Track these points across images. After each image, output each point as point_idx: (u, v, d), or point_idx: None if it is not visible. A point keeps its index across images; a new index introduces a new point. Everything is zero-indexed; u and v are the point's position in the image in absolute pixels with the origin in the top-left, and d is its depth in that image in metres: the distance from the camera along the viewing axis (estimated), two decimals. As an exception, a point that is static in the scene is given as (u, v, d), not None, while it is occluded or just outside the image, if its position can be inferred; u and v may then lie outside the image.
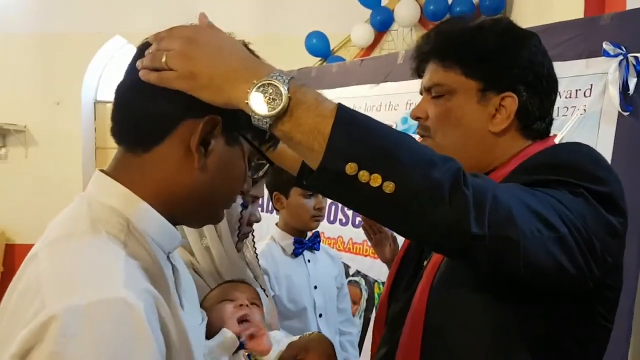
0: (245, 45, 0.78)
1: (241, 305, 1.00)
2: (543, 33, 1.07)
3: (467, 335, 0.88)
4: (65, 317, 0.58)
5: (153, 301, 0.65)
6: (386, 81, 3.56)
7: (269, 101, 0.67)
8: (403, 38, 4.85)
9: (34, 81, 5.75)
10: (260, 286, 1.30)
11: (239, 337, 0.94)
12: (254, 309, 1.01)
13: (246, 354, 0.93)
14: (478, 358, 0.87)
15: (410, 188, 0.67)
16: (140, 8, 5.79)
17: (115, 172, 0.76)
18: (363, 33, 4.80)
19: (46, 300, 0.60)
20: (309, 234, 2.05)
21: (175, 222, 0.79)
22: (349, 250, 3.07)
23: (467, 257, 0.74)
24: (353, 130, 0.67)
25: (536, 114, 0.96)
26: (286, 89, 0.67)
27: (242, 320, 0.98)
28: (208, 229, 1.13)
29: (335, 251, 2.35)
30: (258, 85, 0.67)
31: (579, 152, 0.92)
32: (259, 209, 1.24)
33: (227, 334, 0.93)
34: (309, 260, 2.05)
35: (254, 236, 1.31)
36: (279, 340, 0.99)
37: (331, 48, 4.99)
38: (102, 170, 0.77)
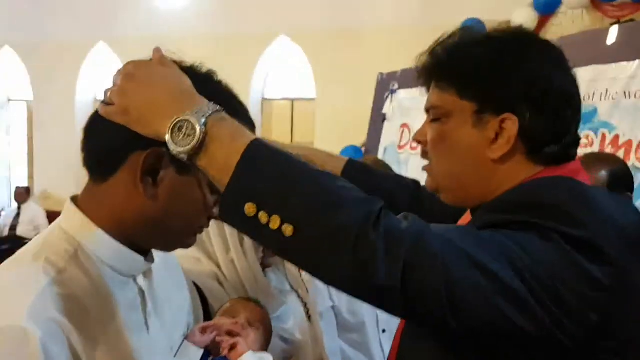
0: (206, 77, 0.81)
1: (236, 323, 1.00)
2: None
3: None
4: None
5: (59, 330, 0.68)
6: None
7: (184, 137, 0.68)
8: (572, 21, 4.35)
9: (208, 81, 6.32)
10: (302, 300, 1.28)
11: (207, 349, 0.93)
12: (247, 330, 0.99)
13: None
14: None
15: (309, 233, 0.64)
16: (306, 8, 6.02)
17: (81, 199, 0.82)
18: (525, 17, 4.41)
19: None
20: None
21: (139, 247, 0.81)
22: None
23: (385, 310, 0.67)
24: (256, 169, 0.66)
25: (545, 136, 0.80)
26: (202, 125, 0.68)
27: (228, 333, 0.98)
28: (233, 244, 1.15)
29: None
30: (175, 121, 0.69)
31: (558, 189, 0.76)
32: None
33: (187, 349, 0.92)
34: None
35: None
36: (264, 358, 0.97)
37: (489, 36, 4.67)
38: (72, 197, 0.83)
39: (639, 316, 0.76)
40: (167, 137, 0.69)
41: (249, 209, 0.64)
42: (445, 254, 0.65)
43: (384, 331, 1.92)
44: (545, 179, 0.79)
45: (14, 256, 0.78)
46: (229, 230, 1.16)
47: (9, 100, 8.15)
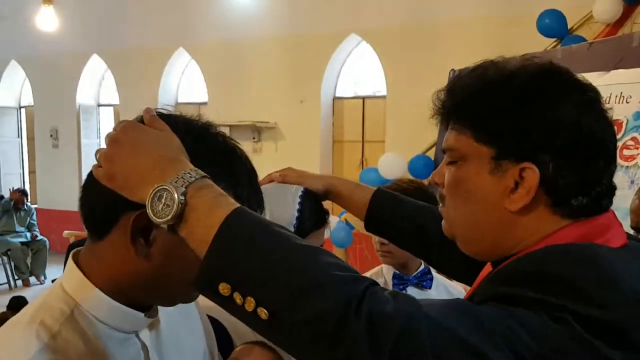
0: (201, 131, 0.78)
1: None
2: None
3: None
4: None
5: None
6: (617, 68, 3.00)
7: (164, 207, 0.66)
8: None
9: (281, 82, 6.42)
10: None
11: None
12: None
13: None
14: None
15: (285, 319, 0.59)
16: (376, 5, 5.95)
17: (81, 257, 0.81)
18: (608, 6, 4.09)
19: None
20: (415, 268, 1.81)
21: (139, 304, 0.80)
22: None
23: None
24: (230, 248, 0.62)
25: (571, 188, 0.71)
26: (181, 195, 0.65)
27: None
28: None
29: (459, 287, 1.94)
30: (155, 190, 0.67)
31: (577, 261, 0.66)
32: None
33: None
34: None
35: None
36: None
37: (568, 27, 4.38)
38: (74, 254, 0.83)
39: None
40: (147, 208, 0.67)
41: (223, 289, 0.61)
42: (437, 344, 0.58)
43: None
44: (563, 247, 0.70)
45: (14, 317, 0.79)
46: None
47: (99, 105, 8.66)
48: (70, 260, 0.81)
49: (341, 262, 0.63)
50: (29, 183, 9.25)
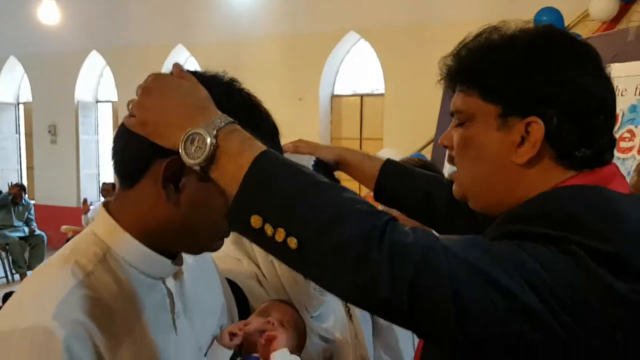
0: (227, 85, 0.83)
1: (268, 322, 1.02)
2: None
3: None
4: None
5: (83, 331, 0.72)
6: (613, 62, 3.04)
7: (196, 149, 0.70)
8: (658, 6, 4.06)
9: (280, 79, 6.45)
10: (346, 304, 1.27)
11: (237, 350, 0.97)
12: (279, 329, 1.02)
13: None
14: None
15: (313, 247, 0.64)
16: (375, 4, 5.99)
17: (112, 205, 0.86)
18: (604, 5, 4.16)
19: None
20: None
21: (167, 250, 0.84)
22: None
23: (394, 323, 0.66)
24: (261, 183, 0.67)
25: (575, 140, 0.76)
26: (213, 137, 0.70)
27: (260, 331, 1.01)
28: None
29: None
30: (187, 134, 0.71)
31: (583, 198, 0.71)
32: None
33: (217, 351, 0.96)
34: None
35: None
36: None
37: (565, 25, 4.44)
38: (104, 203, 0.87)
39: None
40: (180, 150, 0.71)
41: (255, 221, 0.65)
42: (454, 271, 0.63)
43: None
44: (570, 188, 0.75)
45: (48, 259, 0.83)
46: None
47: (97, 101, 8.67)
48: (101, 207, 0.85)
49: (362, 199, 0.67)
50: (27, 179, 9.25)
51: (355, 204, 0.65)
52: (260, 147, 0.70)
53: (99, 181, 8.52)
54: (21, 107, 9.34)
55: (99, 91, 8.64)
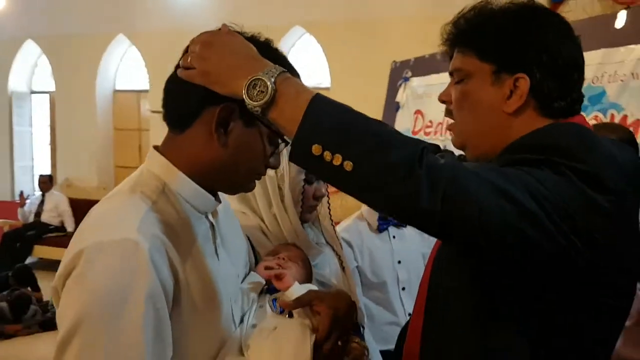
0: (266, 44, 0.95)
1: (278, 258, 1.17)
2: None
3: (456, 305, 0.95)
4: (90, 249, 0.80)
5: (161, 245, 0.84)
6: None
7: (258, 94, 0.81)
8: (583, 8, 4.43)
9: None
10: (337, 254, 1.43)
11: (266, 283, 1.10)
12: (288, 263, 1.16)
13: (272, 299, 1.07)
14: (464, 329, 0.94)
15: (366, 168, 0.76)
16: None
17: (163, 148, 0.97)
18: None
19: (83, 238, 0.83)
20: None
21: (210, 189, 0.97)
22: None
23: (426, 231, 0.80)
24: (320, 118, 0.79)
25: (554, 93, 0.94)
26: (272, 83, 0.81)
27: (270, 267, 1.15)
28: (275, 201, 1.31)
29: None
30: (250, 80, 0.81)
31: (568, 133, 0.90)
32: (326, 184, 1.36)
33: (255, 276, 1.09)
34: (394, 237, 2.13)
35: (329, 209, 1.44)
36: (310, 288, 1.11)
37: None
38: (154, 146, 0.98)
39: (630, 242, 0.90)
40: (244, 94, 0.82)
41: (316, 149, 0.77)
42: (477, 185, 0.78)
43: (403, 289, 2.08)
44: (557, 125, 0.93)
45: (110, 193, 0.94)
46: (271, 188, 1.32)
47: (32, 92, 8.37)
48: (153, 150, 0.96)
49: (400, 132, 0.82)
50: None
51: (397, 134, 0.80)
52: (312, 91, 0.82)
53: (34, 174, 8.24)
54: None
55: (34, 81, 8.35)
